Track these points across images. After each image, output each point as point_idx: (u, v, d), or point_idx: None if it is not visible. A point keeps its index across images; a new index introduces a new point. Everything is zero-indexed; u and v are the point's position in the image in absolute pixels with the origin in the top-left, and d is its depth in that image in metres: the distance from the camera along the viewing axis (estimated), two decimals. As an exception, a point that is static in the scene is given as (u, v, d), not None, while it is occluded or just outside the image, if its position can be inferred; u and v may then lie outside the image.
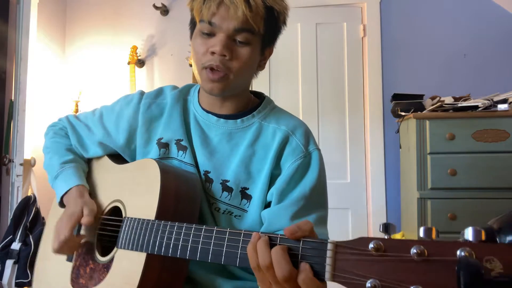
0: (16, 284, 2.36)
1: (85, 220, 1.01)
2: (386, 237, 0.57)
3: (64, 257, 1.11)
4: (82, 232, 1.08)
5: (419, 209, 2.36)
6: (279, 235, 0.69)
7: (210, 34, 0.97)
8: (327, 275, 0.60)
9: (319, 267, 0.62)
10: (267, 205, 1.03)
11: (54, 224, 1.20)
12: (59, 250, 1.02)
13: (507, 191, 2.29)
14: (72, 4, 3.55)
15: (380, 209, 3.00)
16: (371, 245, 0.56)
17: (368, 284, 0.55)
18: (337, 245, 0.61)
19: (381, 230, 0.57)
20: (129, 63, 3.23)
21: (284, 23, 1.07)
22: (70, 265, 1.08)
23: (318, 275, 0.62)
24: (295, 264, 0.64)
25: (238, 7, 0.92)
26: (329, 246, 0.62)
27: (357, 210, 3.07)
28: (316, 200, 1.02)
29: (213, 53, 0.96)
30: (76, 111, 3.27)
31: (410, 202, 2.55)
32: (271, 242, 0.68)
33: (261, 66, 1.09)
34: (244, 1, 0.93)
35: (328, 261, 0.61)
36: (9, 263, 2.38)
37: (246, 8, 0.93)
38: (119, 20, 3.47)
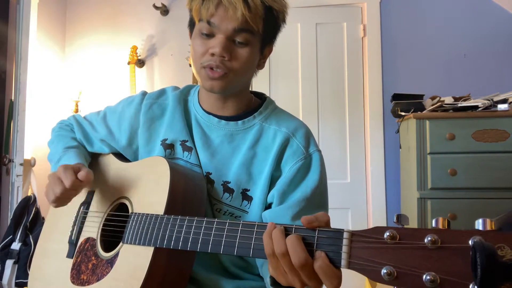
0: (16, 284, 2.36)
1: (81, 174, 0.98)
2: (399, 226, 0.59)
3: (63, 254, 1.11)
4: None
5: (419, 209, 2.36)
6: (294, 226, 0.70)
7: (209, 35, 0.97)
8: (343, 262, 0.62)
9: (335, 255, 0.63)
10: (267, 206, 1.04)
11: (53, 222, 1.21)
12: (59, 199, 0.99)
13: (507, 191, 2.29)
14: (72, 4, 3.55)
15: (380, 209, 3.00)
16: (386, 234, 0.58)
17: (383, 271, 0.56)
18: (353, 233, 0.63)
19: (394, 220, 0.58)
20: (129, 63, 3.23)
21: (284, 21, 1.06)
22: (70, 261, 1.08)
23: (334, 263, 0.64)
24: (311, 253, 0.66)
25: (237, 8, 0.92)
26: (345, 234, 0.63)
27: (357, 210, 3.07)
28: (317, 201, 1.03)
29: (212, 54, 0.96)
30: (76, 111, 3.28)
31: (410, 202, 2.55)
32: (286, 232, 0.69)
33: (260, 65, 1.09)
34: (243, 2, 0.92)
35: (344, 249, 0.62)
36: (9, 263, 2.38)
37: (245, 9, 0.92)
38: (119, 20, 3.47)
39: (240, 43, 0.97)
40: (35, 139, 2.94)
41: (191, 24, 1.05)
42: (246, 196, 1.04)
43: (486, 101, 2.38)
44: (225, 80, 0.99)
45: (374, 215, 3.01)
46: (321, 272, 0.64)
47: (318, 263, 0.64)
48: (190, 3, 1.00)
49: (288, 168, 1.02)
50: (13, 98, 2.75)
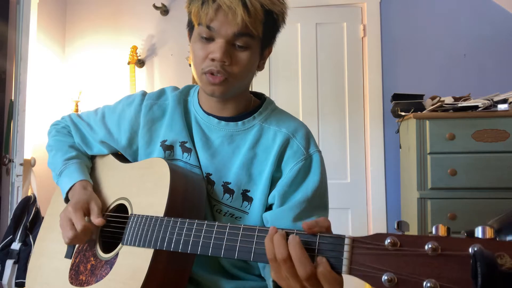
0: (16, 284, 2.36)
1: (97, 221, 1.01)
2: (400, 233, 0.59)
3: (61, 254, 1.11)
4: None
5: (419, 209, 2.36)
6: (295, 230, 0.70)
7: (209, 39, 0.97)
8: (344, 268, 0.62)
9: (336, 261, 0.64)
10: (268, 207, 1.04)
11: (51, 222, 1.21)
12: (73, 241, 1.01)
13: (507, 191, 2.29)
14: (72, 4, 3.55)
15: (380, 209, 3.00)
16: (387, 241, 0.58)
17: (384, 277, 0.57)
18: (354, 240, 0.63)
19: (395, 227, 0.59)
20: (129, 63, 3.23)
21: (284, 22, 1.05)
22: (68, 262, 1.08)
23: (335, 269, 0.64)
24: (312, 258, 0.66)
25: (237, 13, 0.91)
26: (347, 241, 0.63)
27: (357, 210, 3.07)
28: (318, 202, 1.03)
29: (213, 59, 0.96)
30: (76, 111, 3.28)
31: (410, 202, 2.56)
32: (288, 237, 0.69)
33: (260, 67, 1.09)
34: (242, 7, 0.91)
35: (345, 255, 0.63)
36: (9, 263, 2.38)
37: (245, 14, 0.91)
38: (119, 20, 3.46)
39: (240, 46, 0.97)
40: (35, 139, 2.94)
41: (190, 26, 1.04)
42: (246, 197, 1.04)
43: (486, 101, 2.38)
44: (225, 85, 0.99)
45: (374, 215, 3.01)
46: (322, 278, 0.64)
47: (319, 269, 0.64)
48: (188, 6, 0.99)
49: (289, 169, 1.02)
50: (13, 98, 2.74)
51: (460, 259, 0.52)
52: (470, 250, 0.51)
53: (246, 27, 0.94)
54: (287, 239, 0.69)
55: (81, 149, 1.25)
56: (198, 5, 0.95)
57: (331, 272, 0.63)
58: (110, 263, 0.96)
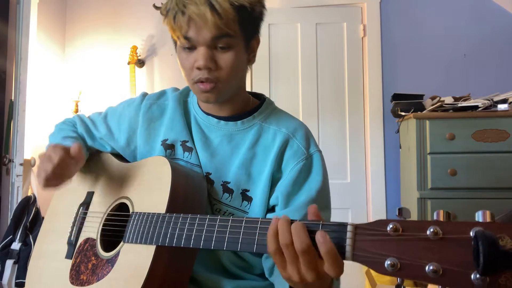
0: (16, 284, 2.35)
1: (73, 146, 1.01)
2: (402, 219, 0.59)
3: (62, 254, 1.10)
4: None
5: (419, 209, 2.36)
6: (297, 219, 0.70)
7: (191, 48, 0.97)
8: (347, 254, 0.63)
9: (339, 248, 0.64)
10: (270, 208, 1.04)
11: (52, 223, 1.21)
12: (50, 176, 1.00)
13: (507, 191, 2.29)
14: (72, 4, 3.56)
15: (380, 209, 3.00)
16: (389, 226, 0.59)
17: (387, 262, 0.57)
18: (357, 226, 0.63)
19: (396, 214, 0.59)
20: (129, 63, 3.24)
21: (263, 7, 1.04)
22: (68, 262, 1.07)
23: None
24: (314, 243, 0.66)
25: (207, 18, 0.91)
26: (349, 227, 0.64)
27: (357, 210, 3.07)
28: (322, 202, 1.03)
29: (198, 68, 0.96)
30: (76, 111, 3.28)
31: (410, 202, 2.55)
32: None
33: (251, 61, 1.08)
34: (210, 11, 0.91)
35: (348, 241, 0.63)
36: (9, 263, 2.38)
37: (215, 17, 0.91)
38: (119, 20, 3.47)
39: (222, 48, 0.97)
40: (35, 139, 2.94)
41: (173, 39, 1.04)
42: (246, 196, 1.04)
43: (486, 101, 2.39)
44: (216, 91, 0.99)
45: (374, 215, 3.00)
46: (326, 256, 0.63)
47: (323, 249, 0.63)
48: (164, 21, 0.99)
49: (290, 169, 1.02)
50: (13, 98, 2.75)
51: (461, 242, 0.53)
52: (471, 233, 0.52)
53: (220, 30, 0.94)
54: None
55: (84, 138, 1.25)
56: (171, 20, 0.95)
57: (335, 250, 0.63)
58: (112, 261, 0.96)
